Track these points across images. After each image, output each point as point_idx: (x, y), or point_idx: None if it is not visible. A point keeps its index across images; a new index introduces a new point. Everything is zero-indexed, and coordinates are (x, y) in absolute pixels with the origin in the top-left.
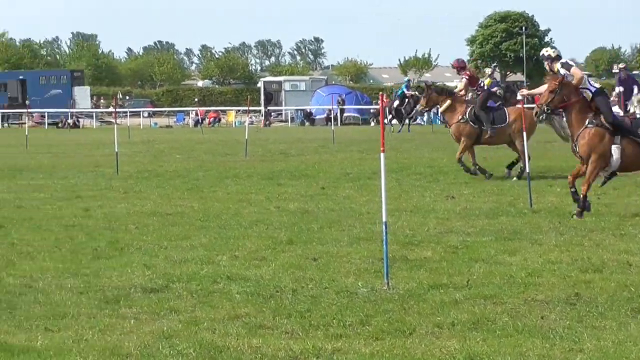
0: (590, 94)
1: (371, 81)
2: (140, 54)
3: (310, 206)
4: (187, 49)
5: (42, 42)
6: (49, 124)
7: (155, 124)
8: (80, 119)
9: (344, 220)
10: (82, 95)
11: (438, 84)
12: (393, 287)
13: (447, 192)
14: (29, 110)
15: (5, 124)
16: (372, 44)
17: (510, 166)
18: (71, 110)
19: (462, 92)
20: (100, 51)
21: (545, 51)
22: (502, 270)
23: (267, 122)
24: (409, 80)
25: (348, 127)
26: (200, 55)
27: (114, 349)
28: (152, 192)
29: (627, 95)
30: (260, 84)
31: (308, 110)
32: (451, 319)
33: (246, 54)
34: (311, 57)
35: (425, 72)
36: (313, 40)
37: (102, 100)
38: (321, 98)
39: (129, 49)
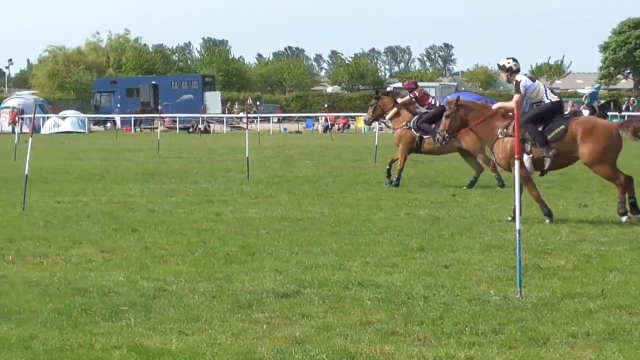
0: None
1: (501, 87)
2: (271, 59)
3: (440, 213)
4: (316, 54)
5: (174, 47)
6: (180, 128)
7: (285, 129)
8: (211, 124)
9: (475, 228)
10: (213, 100)
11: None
12: (526, 296)
13: (580, 200)
14: (161, 115)
15: (138, 129)
16: (502, 50)
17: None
18: (202, 115)
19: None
20: (230, 57)
21: (503, 62)
22: (638, 280)
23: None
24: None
25: None
26: (329, 61)
27: (247, 354)
28: (283, 198)
29: None
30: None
31: None
32: (586, 328)
33: (375, 60)
34: (441, 63)
35: (556, 79)
36: (443, 46)
37: (236, 106)
38: None
39: (259, 55)
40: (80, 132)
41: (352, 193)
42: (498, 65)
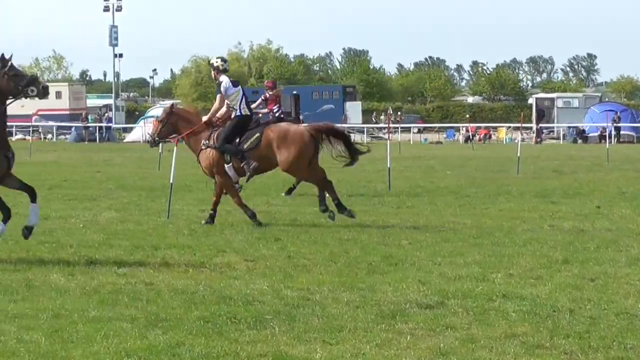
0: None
1: None
2: (411, 69)
3: (585, 225)
4: (457, 64)
5: (315, 57)
6: None
7: (426, 139)
8: (351, 134)
9: (622, 240)
10: (354, 110)
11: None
12: None
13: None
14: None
15: None
16: None
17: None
18: (343, 125)
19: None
20: (371, 67)
21: (212, 60)
22: None
23: (539, 139)
24: None
25: (622, 145)
26: (470, 71)
27: None
28: (424, 208)
29: None
30: (531, 101)
31: (581, 128)
32: None
33: (517, 70)
34: (584, 73)
35: None
36: (586, 56)
37: (381, 117)
38: (595, 115)
39: (400, 65)
40: None
41: (494, 204)
42: (209, 62)
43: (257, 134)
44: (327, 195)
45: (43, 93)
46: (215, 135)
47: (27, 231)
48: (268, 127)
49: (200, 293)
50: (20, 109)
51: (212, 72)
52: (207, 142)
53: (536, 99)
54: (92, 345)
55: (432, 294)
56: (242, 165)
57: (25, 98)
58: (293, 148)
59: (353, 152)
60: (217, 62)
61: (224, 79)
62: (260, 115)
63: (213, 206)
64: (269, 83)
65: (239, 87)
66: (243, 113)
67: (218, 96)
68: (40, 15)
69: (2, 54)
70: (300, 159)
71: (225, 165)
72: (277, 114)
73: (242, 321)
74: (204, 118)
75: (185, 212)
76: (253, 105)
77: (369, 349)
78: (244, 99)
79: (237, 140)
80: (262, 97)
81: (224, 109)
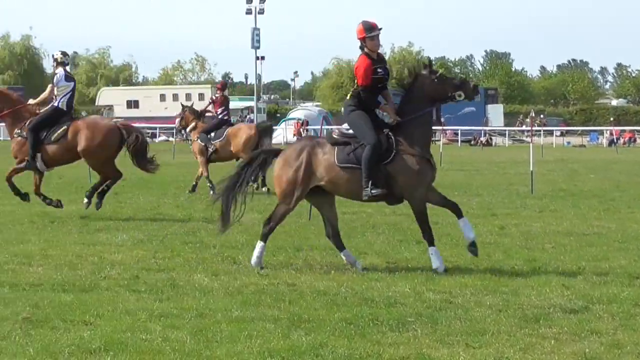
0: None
1: None
2: (554, 72)
3: None
4: (601, 67)
5: (456, 60)
6: (461, 141)
7: (568, 143)
8: (492, 137)
9: None
10: (496, 113)
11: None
12: None
13: None
14: (444, 127)
15: None
16: None
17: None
18: (484, 128)
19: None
20: (513, 69)
21: (56, 54)
22: None
23: None
24: None
25: None
26: (615, 74)
27: None
28: (568, 212)
29: None
30: None
31: None
32: None
33: None
34: None
35: None
36: None
37: (527, 119)
38: None
39: (542, 67)
40: None
41: (639, 208)
42: (52, 55)
43: (65, 127)
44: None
45: (472, 92)
46: (27, 125)
47: (474, 247)
48: (77, 120)
49: (342, 294)
50: (163, 110)
51: (52, 64)
52: (20, 131)
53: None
54: (235, 345)
55: (577, 298)
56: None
57: (453, 101)
58: (98, 136)
59: (137, 162)
60: (57, 54)
61: (60, 71)
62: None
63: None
64: (219, 85)
65: (73, 83)
66: (60, 106)
67: (49, 86)
68: (184, 18)
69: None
70: (101, 148)
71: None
72: (223, 117)
73: (384, 323)
74: (31, 101)
75: None
76: (202, 107)
77: (512, 353)
78: (70, 95)
79: (45, 133)
80: (210, 99)
81: (45, 93)
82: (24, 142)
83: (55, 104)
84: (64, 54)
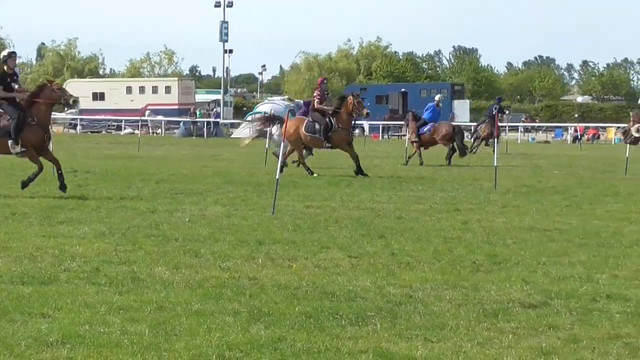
0: None
1: None
2: (521, 68)
3: None
4: (568, 64)
5: (424, 55)
6: None
7: (533, 139)
8: None
9: None
10: (462, 108)
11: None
12: None
13: None
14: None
15: (386, 136)
16: None
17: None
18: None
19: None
20: (480, 65)
21: None
22: None
23: None
24: None
25: None
26: (581, 71)
27: None
28: (531, 207)
29: None
30: None
31: None
32: None
33: (628, 70)
34: None
35: None
36: None
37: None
38: None
39: (509, 63)
40: None
41: (601, 205)
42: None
43: None
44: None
45: None
46: None
47: None
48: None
49: (303, 288)
50: (129, 103)
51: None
52: None
53: None
54: (194, 339)
55: (536, 293)
56: None
57: None
58: None
59: None
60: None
61: None
62: None
63: None
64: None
65: None
66: None
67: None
68: (152, 10)
69: None
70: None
71: None
72: None
73: (344, 317)
74: None
75: (291, 207)
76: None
77: (470, 347)
78: None
79: None
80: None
81: None
82: None
83: None
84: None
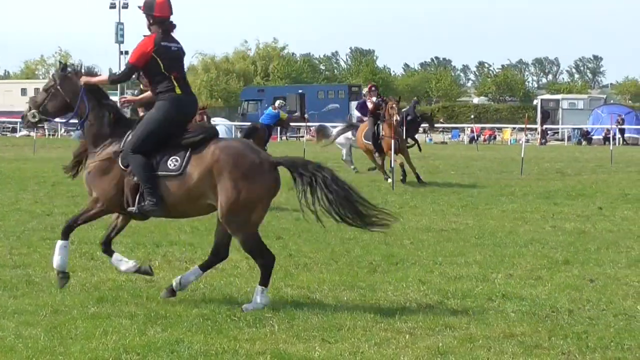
0: None
1: None
2: (417, 69)
3: (587, 226)
4: (463, 65)
5: (321, 57)
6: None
7: (430, 139)
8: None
9: (622, 242)
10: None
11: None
12: None
13: None
14: (307, 124)
15: (284, 137)
16: None
17: None
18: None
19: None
20: (377, 66)
21: None
22: None
23: (544, 141)
24: None
25: (627, 148)
26: (476, 72)
27: None
28: (427, 208)
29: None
30: (537, 102)
31: (585, 130)
32: None
33: (523, 72)
34: (589, 75)
35: None
36: (592, 58)
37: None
38: (599, 117)
39: (406, 65)
40: None
41: (497, 205)
42: None
43: None
44: None
45: None
46: None
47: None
48: None
49: (200, 290)
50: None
51: None
52: None
53: (541, 100)
54: (90, 342)
55: (432, 293)
56: None
57: None
58: None
59: None
60: None
61: None
62: None
63: None
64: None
65: None
66: None
67: None
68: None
69: None
70: None
71: None
72: None
73: (242, 319)
74: None
75: None
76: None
77: (367, 347)
78: None
79: None
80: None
81: None
82: None
83: None
84: None
